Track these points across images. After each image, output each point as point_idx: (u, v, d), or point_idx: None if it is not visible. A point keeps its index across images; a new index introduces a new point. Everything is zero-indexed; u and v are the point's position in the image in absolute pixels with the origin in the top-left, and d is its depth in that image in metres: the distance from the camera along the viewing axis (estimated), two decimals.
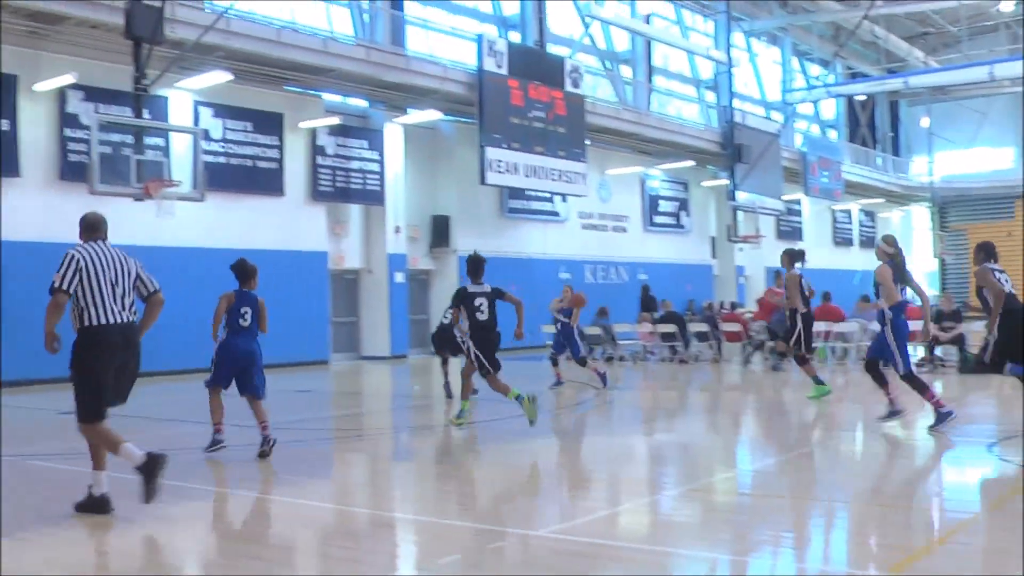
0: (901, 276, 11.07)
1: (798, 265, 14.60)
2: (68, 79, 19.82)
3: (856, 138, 52.39)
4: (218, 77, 21.55)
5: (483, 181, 26.40)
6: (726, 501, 8.14)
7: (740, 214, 36.84)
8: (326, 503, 8.35)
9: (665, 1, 38.39)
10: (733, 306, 29.82)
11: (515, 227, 31.26)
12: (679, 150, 35.51)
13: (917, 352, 17.18)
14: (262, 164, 24.06)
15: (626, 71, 36.22)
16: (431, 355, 28.84)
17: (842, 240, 49.34)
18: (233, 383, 10.27)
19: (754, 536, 6.77)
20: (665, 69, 39.18)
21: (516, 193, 30.38)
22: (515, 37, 31.04)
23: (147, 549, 6.81)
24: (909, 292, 11.28)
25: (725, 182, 36.65)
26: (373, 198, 26.84)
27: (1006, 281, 10.92)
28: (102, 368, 7.30)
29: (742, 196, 35.64)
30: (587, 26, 32.70)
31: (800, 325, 14.38)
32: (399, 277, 27.44)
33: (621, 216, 35.66)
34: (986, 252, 11.20)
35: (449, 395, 15.48)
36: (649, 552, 6.41)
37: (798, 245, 33.13)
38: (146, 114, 18.45)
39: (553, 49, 31.00)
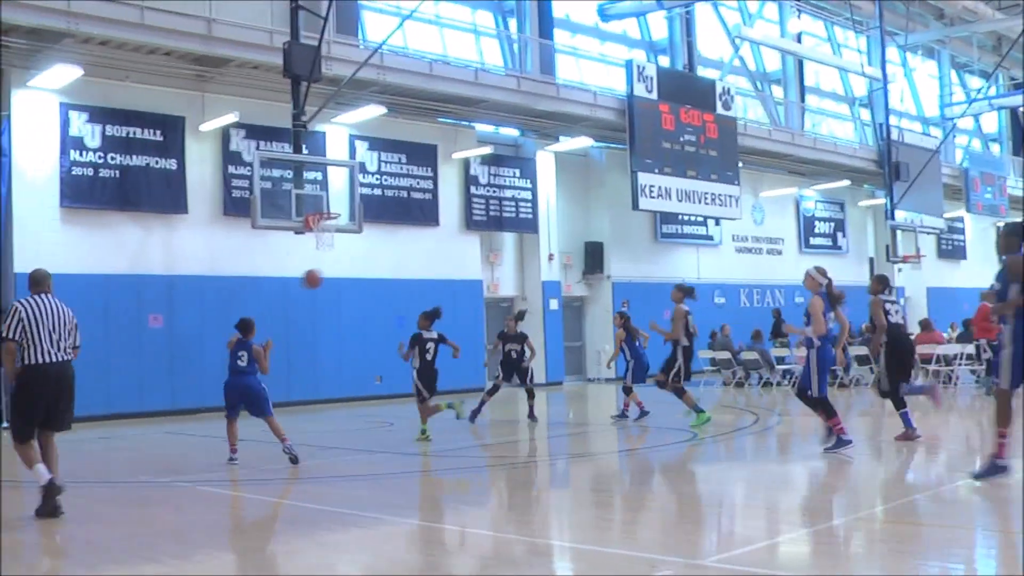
0: (831, 305, 11.93)
1: (688, 300, 15.72)
2: (231, 118, 20.56)
3: (1021, 151, 50.49)
4: (373, 111, 22.09)
5: (635, 207, 26.29)
6: (890, 530, 7.91)
7: (899, 233, 35.81)
8: (483, 530, 8.43)
9: (816, 19, 37.78)
10: None
11: (668, 252, 31.09)
12: (834, 170, 34.84)
13: None
14: (416, 195, 24.49)
15: (778, 91, 35.72)
16: (586, 382, 29.12)
17: None
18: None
19: (921, 566, 6.57)
20: (817, 88, 38.51)
21: (669, 218, 30.22)
22: (664, 61, 30.97)
23: None
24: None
25: (883, 201, 35.72)
26: (526, 226, 27.07)
27: (896, 312, 12.79)
28: (34, 399, 8.76)
29: (901, 215, 34.62)
30: (737, 48, 32.39)
31: (681, 359, 15.33)
32: (553, 304, 27.58)
33: (776, 239, 35.14)
34: (881, 283, 13.12)
35: (472, 419, 16.61)
36: None
37: (958, 264, 32.01)
38: (304, 149, 18.93)
39: (703, 72, 30.80)
